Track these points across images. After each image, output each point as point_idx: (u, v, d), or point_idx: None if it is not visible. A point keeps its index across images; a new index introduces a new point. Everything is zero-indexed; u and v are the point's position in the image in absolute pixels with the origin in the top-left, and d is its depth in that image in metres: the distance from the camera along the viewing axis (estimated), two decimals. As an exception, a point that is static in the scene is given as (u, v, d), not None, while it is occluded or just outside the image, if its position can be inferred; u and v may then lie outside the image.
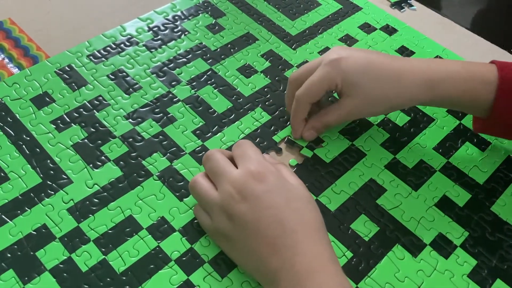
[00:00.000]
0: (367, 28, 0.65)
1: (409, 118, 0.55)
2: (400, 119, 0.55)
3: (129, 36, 0.59)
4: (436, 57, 0.62)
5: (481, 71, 0.47)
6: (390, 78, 0.47)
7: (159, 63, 0.57)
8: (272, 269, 0.37)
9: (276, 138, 0.52)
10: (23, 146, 0.48)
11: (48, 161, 0.47)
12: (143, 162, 0.48)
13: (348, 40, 0.63)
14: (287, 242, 0.37)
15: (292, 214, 0.39)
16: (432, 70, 0.47)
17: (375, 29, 0.65)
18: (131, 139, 0.50)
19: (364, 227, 0.46)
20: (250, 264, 0.40)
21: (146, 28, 0.61)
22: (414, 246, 0.45)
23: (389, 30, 0.65)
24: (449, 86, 0.47)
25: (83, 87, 0.54)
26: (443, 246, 0.46)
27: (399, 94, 0.47)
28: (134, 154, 0.49)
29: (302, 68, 0.50)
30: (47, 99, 0.52)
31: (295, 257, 0.37)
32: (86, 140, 0.49)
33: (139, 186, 0.46)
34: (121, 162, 0.48)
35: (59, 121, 0.50)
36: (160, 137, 0.50)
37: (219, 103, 0.54)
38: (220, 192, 0.41)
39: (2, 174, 0.46)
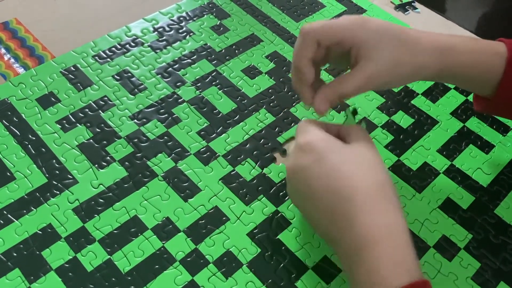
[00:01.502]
0: (371, 30, 0.65)
1: (413, 120, 0.55)
2: (404, 121, 0.55)
3: (134, 37, 0.60)
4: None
5: (491, 45, 0.46)
6: (407, 44, 0.44)
7: (164, 63, 0.57)
8: (334, 239, 0.38)
9: (281, 139, 0.52)
10: (29, 146, 0.48)
11: (54, 161, 0.48)
12: (148, 162, 0.48)
13: (353, 42, 0.63)
14: (343, 211, 0.37)
15: (345, 180, 0.37)
16: (445, 38, 0.46)
17: (379, 31, 0.65)
18: (136, 140, 0.50)
19: (368, 229, 0.46)
20: (318, 230, 0.41)
21: (151, 29, 0.61)
22: (418, 248, 0.45)
23: (393, 32, 0.65)
24: (460, 56, 0.45)
25: (89, 87, 0.54)
26: (447, 248, 0.46)
27: (413, 62, 0.44)
28: (139, 154, 0.49)
29: (318, 21, 0.44)
30: (53, 99, 0.52)
31: (353, 229, 0.36)
32: (91, 140, 0.49)
33: (144, 187, 0.47)
34: (126, 163, 0.48)
35: (64, 121, 0.51)
36: (165, 137, 0.51)
37: (224, 104, 0.54)
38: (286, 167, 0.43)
39: (8, 173, 0.46)
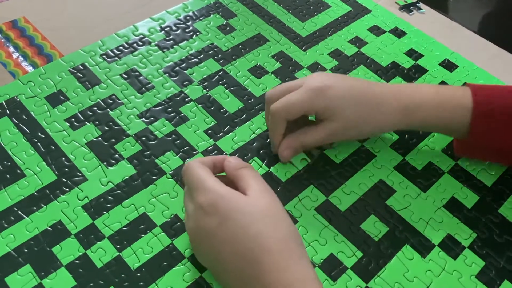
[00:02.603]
0: (376, 30, 0.65)
1: (418, 120, 0.56)
2: (409, 121, 0.56)
3: (141, 36, 0.60)
4: (445, 60, 0.62)
5: (455, 95, 0.48)
6: (370, 104, 0.47)
7: (171, 63, 0.58)
8: None
9: (287, 138, 0.53)
10: (38, 143, 0.49)
11: (63, 158, 0.48)
12: (156, 160, 0.49)
13: (358, 42, 0.63)
14: (253, 273, 0.36)
15: (252, 241, 0.36)
16: (408, 97, 0.48)
17: (384, 31, 0.65)
18: (144, 138, 0.51)
19: (373, 228, 0.47)
20: None
21: (158, 28, 0.61)
22: (423, 247, 0.46)
23: (398, 33, 0.65)
24: (424, 113, 0.48)
25: (97, 86, 0.54)
26: (451, 247, 0.46)
27: (377, 120, 0.48)
28: (148, 152, 0.49)
29: (280, 87, 0.49)
30: (62, 97, 0.53)
31: None
32: (100, 139, 0.50)
33: (152, 184, 0.47)
34: (135, 161, 0.49)
35: (73, 119, 0.51)
36: (173, 136, 0.51)
37: (231, 103, 0.55)
38: (187, 227, 0.41)
39: (18, 171, 0.47)
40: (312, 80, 0.48)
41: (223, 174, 0.43)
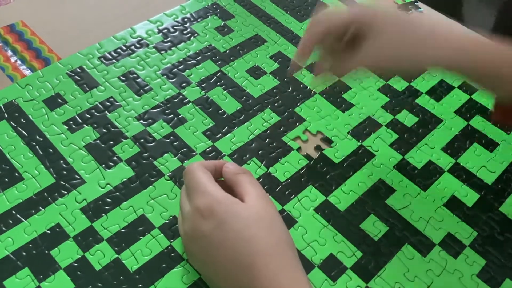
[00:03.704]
0: (374, 30, 0.65)
1: (417, 119, 0.56)
2: (409, 120, 0.55)
3: (139, 38, 0.60)
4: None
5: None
6: (418, 30, 0.43)
7: (169, 64, 0.58)
8: None
9: (286, 138, 0.52)
10: (36, 146, 0.49)
11: (61, 161, 0.48)
12: (155, 162, 0.49)
13: (356, 42, 0.63)
14: (246, 278, 0.36)
15: (246, 246, 0.37)
16: (464, 38, 0.43)
17: (382, 30, 0.65)
18: (142, 140, 0.50)
19: (373, 227, 0.46)
20: None
21: (156, 30, 0.61)
22: (423, 246, 0.46)
23: (397, 31, 0.65)
24: (474, 55, 0.42)
25: (95, 89, 0.54)
26: (452, 245, 0.46)
27: (423, 45, 0.42)
28: (146, 154, 0.49)
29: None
30: (59, 100, 0.53)
31: None
32: (98, 141, 0.50)
33: (151, 186, 0.47)
34: (133, 163, 0.49)
35: (71, 122, 0.51)
36: (171, 138, 0.51)
37: (229, 104, 0.55)
38: (181, 229, 0.42)
39: (16, 174, 0.47)
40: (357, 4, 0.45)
41: (223, 179, 0.43)
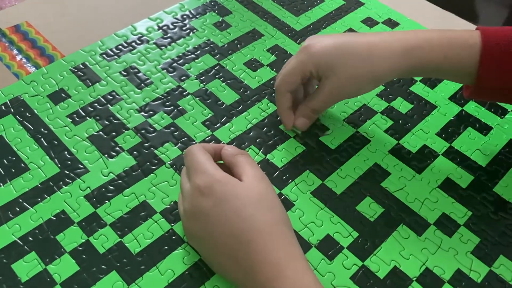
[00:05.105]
0: (369, 22, 0.67)
1: (412, 106, 0.57)
2: (404, 107, 0.57)
3: (140, 35, 0.62)
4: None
5: (462, 36, 0.46)
6: (360, 53, 0.47)
7: (169, 59, 0.59)
8: (239, 279, 0.38)
9: (283, 127, 0.54)
10: (42, 139, 0.51)
11: (66, 152, 0.50)
12: (156, 151, 0.50)
13: (351, 34, 0.65)
14: (244, 253, 0.37)
15: (244, 223, 0.38)
16: (407, 39, 0.46)
17: (377, 23, 0.67)
18: (143, 131, 0.52)
19: (369, 209, 0.48)
20: (220, 271, 0.41)
21: (156, 27, 0.63)
22: (419, 226, 0.47)
23: (392, 23, 0.67)
24: (427, 52, 0.46)
25: (97, 83, 0.56)
26: (447, 225, 0.47)
27: (372, 67, 0.47)
28: (147, 144, 0.51)
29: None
30: (63, 95, 0.55)
31: (255, 267, 0.37)
32: (101, 132, 0.52)
33: (152, 174, 0.49)
34: (135, 152, 0.50)
35: (75, 115, 0.53)
36: (172, 128, 0.53)
37: (227, 96, 0.56)
38: (181, 208, 0.43)
39: (22, 165, 0.48)
40: (296, 56, 0.50)
41: (222, 162, 0.44)
